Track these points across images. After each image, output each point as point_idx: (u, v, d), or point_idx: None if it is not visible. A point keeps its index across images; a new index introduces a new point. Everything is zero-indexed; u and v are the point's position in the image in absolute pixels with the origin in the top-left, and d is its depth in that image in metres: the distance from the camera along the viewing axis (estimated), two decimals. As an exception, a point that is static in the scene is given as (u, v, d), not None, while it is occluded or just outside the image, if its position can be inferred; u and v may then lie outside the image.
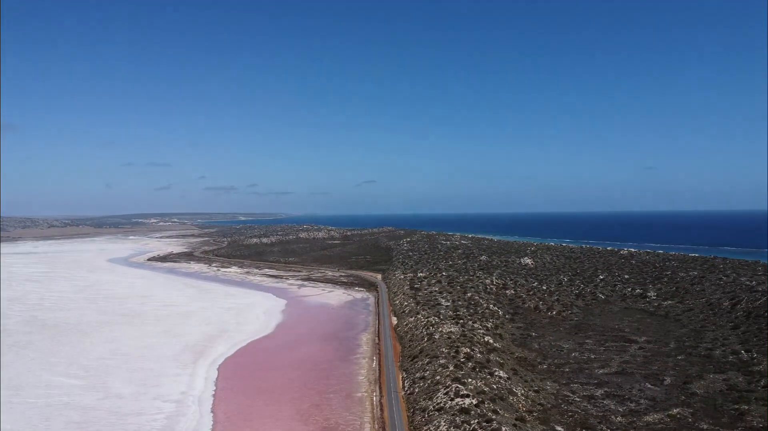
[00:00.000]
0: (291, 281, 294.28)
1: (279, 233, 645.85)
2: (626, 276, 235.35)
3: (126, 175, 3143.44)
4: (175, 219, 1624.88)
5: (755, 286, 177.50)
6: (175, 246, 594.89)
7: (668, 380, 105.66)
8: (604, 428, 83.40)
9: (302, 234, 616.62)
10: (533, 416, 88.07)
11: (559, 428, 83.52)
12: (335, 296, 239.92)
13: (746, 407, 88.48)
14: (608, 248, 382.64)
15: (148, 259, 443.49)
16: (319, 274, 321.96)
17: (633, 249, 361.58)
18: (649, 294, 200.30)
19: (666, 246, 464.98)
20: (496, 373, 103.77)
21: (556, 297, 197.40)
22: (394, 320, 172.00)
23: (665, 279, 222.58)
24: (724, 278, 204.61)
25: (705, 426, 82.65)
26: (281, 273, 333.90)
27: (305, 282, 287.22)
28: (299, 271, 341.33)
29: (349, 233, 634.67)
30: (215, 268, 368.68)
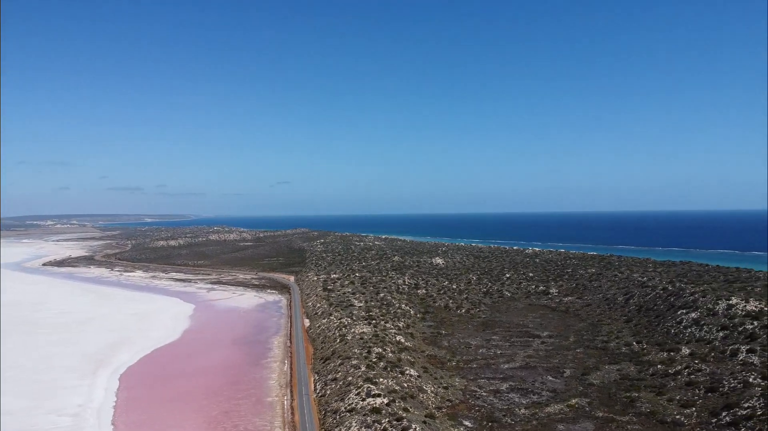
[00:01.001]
0: (200, 285, 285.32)
1: (188, 235, 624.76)
2: (531, 275, 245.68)
3: (19, 175, 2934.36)
4: (75, 221, 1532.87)
5: (646, 282, 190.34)
6: (73, 250, 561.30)
7: (568, 372, 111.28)
8: (509, 420, 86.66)
9: (213, 236, 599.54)
10: (442, 412, 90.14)
11: (466, 422, 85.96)
12: (246, 299, 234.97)
13: (637, 394, 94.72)
14: (515, 248, 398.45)
15: (44, 264, 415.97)
16: (230, 277, 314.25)
17: (537, 249, 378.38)
18: (551, 291, 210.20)
19: (568, 245, 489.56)
20: (407, 372, 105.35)
21: (465, 296, 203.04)
22: (307, 322, 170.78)
23: (566, 276, 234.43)
24: (619, 275, 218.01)
25: (600, 414, 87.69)
26: (189, 276, 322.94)
27: (215, 286, 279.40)
28: (209, 274, 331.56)
29: (261, 235, 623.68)
30: (118, 272, 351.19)
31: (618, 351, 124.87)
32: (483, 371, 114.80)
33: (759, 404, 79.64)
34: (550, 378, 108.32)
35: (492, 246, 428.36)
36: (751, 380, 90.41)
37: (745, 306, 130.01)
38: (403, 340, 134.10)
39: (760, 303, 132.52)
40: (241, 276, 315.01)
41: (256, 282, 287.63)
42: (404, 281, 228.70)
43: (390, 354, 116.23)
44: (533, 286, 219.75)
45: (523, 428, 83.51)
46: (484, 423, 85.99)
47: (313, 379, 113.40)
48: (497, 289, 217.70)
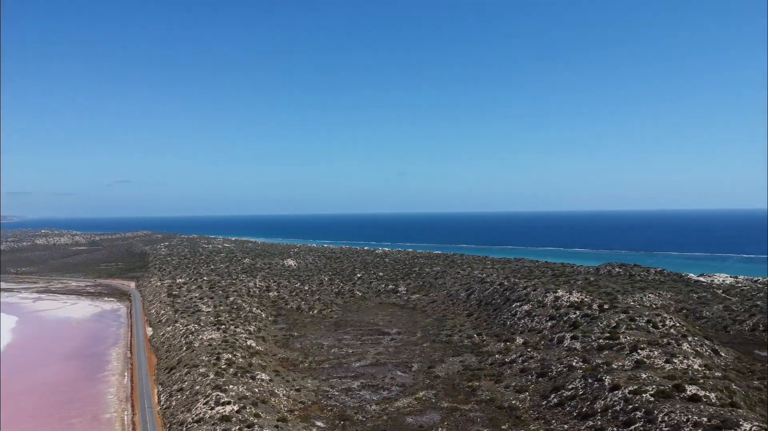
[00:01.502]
0: (24, 294, 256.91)
1: (10, 239, 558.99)
2: (381, 274, 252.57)
3: None
4: None
5: (485, 278, 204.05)
6: None
7: (416, 366, 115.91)
8: (360, 417, 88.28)
9: (39, 241, 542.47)
10: (294, 415, 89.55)
11: (319, 423, 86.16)
12: (80, 309, 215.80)
13: (478, 383, 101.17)
14: (365, 248, 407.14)
15: None
16: (61, 285, 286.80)
17: (387, 249, 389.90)
18: (400, 289, 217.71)
19: (416, 245, 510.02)
20: (258, 377, 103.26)
21: (317, 297, 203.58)
22: (150, 331, 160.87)
23: (414, 275, 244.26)
24: (462, 272, 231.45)
25: (446, 404, 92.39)
26: (12, 285, 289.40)
27: (43, 295, 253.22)
28: (35, 283, 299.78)
29: (97, 238, 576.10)
30: None
31: (461, 344, 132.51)
32: (335, 370, 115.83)
33: (581, 385, 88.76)
34: (399, 373, 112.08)
35: (343, 246, 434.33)
36: (574, 364, 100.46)
37: (569, 297, 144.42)
38: (254, 344, 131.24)
39: (581, 295, 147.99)
40: (74, 284, 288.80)
41: (91, 290, 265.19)
42: (255, 284, 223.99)
43: (240, 360, 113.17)
44: (383, 285, 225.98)
45: (374, 424, 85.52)
46: (337, 422, 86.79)
47: (156, 391, 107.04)
48: (349, 289, 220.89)
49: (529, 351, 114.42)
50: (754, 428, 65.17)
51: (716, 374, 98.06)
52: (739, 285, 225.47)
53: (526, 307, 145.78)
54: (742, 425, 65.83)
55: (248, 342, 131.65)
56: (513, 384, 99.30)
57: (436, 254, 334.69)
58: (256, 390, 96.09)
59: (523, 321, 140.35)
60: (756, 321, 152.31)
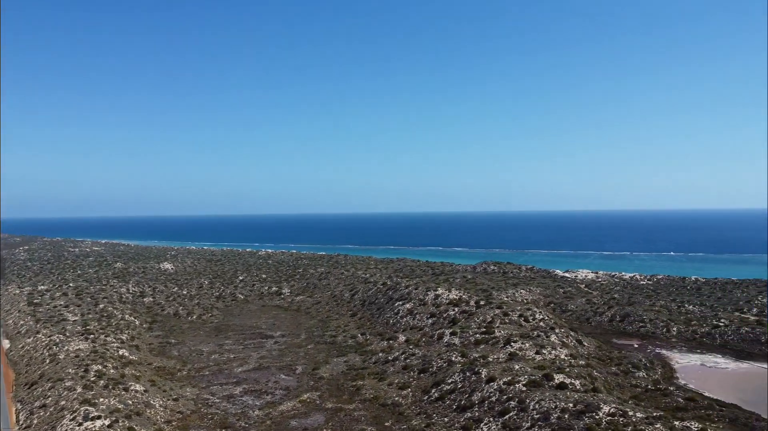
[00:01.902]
0: None
1: None
2: (264, 276, 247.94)
3: None
4: None
5: (368, 278, 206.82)
6: None
7: (300, 369, 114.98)
8: (243, 424, 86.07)
9: None
10: (172, 425, 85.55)
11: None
12: None
13: (362, 382, 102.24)
14: (248, 249, 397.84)
15: None
16: None
17: (270, 250, 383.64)
18: (283, 291, 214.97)
19: (299, 246, 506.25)
20: (132, 388, 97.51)
21: (197, 301, 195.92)
22: (6, 343, 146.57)
23: (298, 276, 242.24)
24: (346, 272, 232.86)
25: (330, 405, 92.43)
26: None
27: None
28: None
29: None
30: None
31: (345, 344, 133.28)
32: (216, 377, 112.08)
33: (460, 379, 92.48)
34: (283, 376, 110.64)
35: (225, 248, 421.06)
36: (453, 359, 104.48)
37: (449, 295, 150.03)
38: (127, 354, 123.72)
39: (459, 292, 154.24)
40: None
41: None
42: (128, 289, 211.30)
43: (112, 371, 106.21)
44: (266, 287, 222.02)
45: (258, 429, 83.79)
46: (217, 430, 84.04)
47: (15, 409, 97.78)
48: (230, 292, 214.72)
49: (411, 349, 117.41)
50: (611, 409, 71.46)
51: (580, 362, 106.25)
52: (599, 280, 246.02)
53: (408, 306, 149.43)
54: (602, 408, 71.83)
55: (120, 352, 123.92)
56: (396, 381, 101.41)
57: (320, 255, 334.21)
58: (130, 403, 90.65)
59: (405, 319, 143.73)
60: (614, 312, 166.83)
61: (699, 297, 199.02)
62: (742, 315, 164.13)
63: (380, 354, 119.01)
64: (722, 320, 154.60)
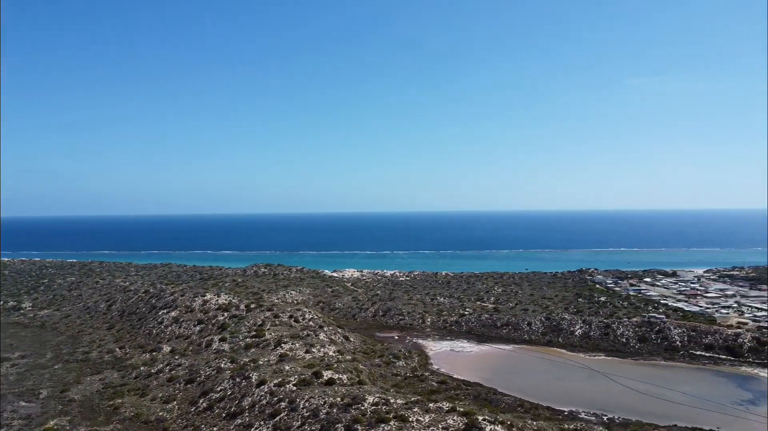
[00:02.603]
0: None
1: None
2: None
3: None
4: None
5: (128, 286, 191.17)
6: None
7: (45, 392, 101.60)
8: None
9: None
10: None
11: None
12: None
13: (121, 400, 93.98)
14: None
15: None
16: None
17: (6, 259, 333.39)
18: (24, 305, 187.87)
19: (42, 253, 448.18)
20: None
21: None
22: None
23: (42, 287, 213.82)
24: (101, 281, 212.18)
25: (83, 430, 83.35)
26: None
27: None
28: None
29: None
30: None
31: (101, 360, 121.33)
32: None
33: (229, 385, 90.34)
34: (24, 403, 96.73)
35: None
36: (222, 365, 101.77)
37: (218, 300, 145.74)
38: None
39: (229, 296, 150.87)
40: None
41: None
42: None
43: None
44: (2, 302, 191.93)
45: (-11, 468, 72.02)
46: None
47: None
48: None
49: (177, 359, 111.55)
50: (375, 399, 76.27)
51: (347, 358, 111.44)
52: (364, 278, 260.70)
53: (173, 314, 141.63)
54: (367, 398, 76.22)
55: None
56: (160, 395, 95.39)
57: (69, 263, 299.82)
58: None
59: (170, 328, 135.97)
60: (377, 308, 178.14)
61: (449, 289, 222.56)
62: (483, 304, 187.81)
63: (142, 368, 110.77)
64: (467, 309, 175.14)
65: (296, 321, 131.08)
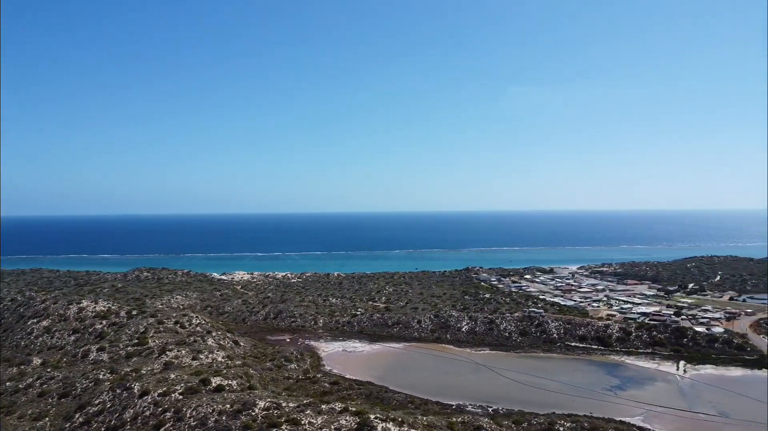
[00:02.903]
0: None
1: None
2: None
3: None
4: None
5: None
6: None
7: None
8: None
9: None
10: None
11: None
12: None
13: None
14: None
15: None
16: None
17: None
18: None
19: None
20: None
21: None
22: None
23: None
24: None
25: (-64, 456, 75.08)
26: None
27: None
28: None
29: None
30: None
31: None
32: None
33: (109, 398, 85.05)
34: None
35: None
36: (101, 377, 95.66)
37: (95, 307, 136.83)
38: None
39: (108, 303, 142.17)
40: None
41: None
42: None
43: None
44: None
45: None
46: None
47: None
48: None
49: (49, 371, 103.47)
50: (266, 404, 75.00)
51: (237, 362, 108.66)
52: (255, 280, 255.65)
53: (45, 323, 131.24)
54: (258, 404, 74.75)
55: None
56: (29, 412, 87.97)
57: None
58: None
59: (41, 338, 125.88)
60: (268, 310, 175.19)
61: (341, 290, 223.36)
62: (374, 304, 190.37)
63: (8, 384, 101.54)
64: (359, 309, 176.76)
65: (182, 327, 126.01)
